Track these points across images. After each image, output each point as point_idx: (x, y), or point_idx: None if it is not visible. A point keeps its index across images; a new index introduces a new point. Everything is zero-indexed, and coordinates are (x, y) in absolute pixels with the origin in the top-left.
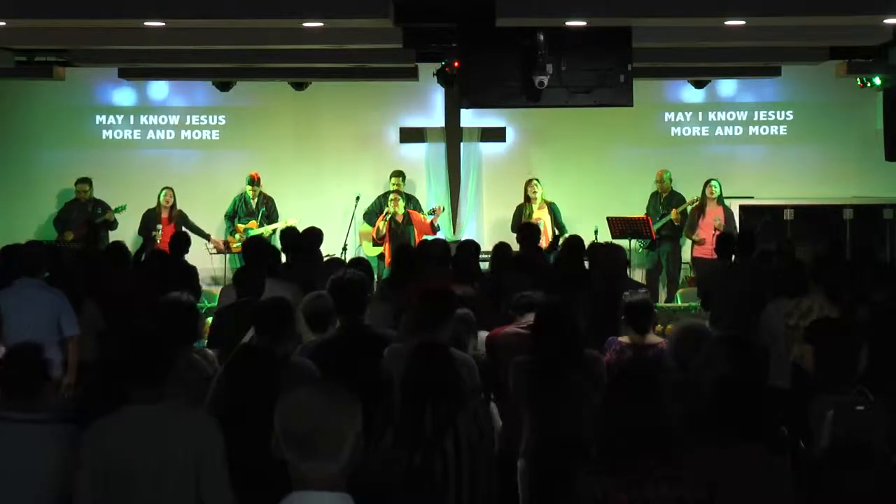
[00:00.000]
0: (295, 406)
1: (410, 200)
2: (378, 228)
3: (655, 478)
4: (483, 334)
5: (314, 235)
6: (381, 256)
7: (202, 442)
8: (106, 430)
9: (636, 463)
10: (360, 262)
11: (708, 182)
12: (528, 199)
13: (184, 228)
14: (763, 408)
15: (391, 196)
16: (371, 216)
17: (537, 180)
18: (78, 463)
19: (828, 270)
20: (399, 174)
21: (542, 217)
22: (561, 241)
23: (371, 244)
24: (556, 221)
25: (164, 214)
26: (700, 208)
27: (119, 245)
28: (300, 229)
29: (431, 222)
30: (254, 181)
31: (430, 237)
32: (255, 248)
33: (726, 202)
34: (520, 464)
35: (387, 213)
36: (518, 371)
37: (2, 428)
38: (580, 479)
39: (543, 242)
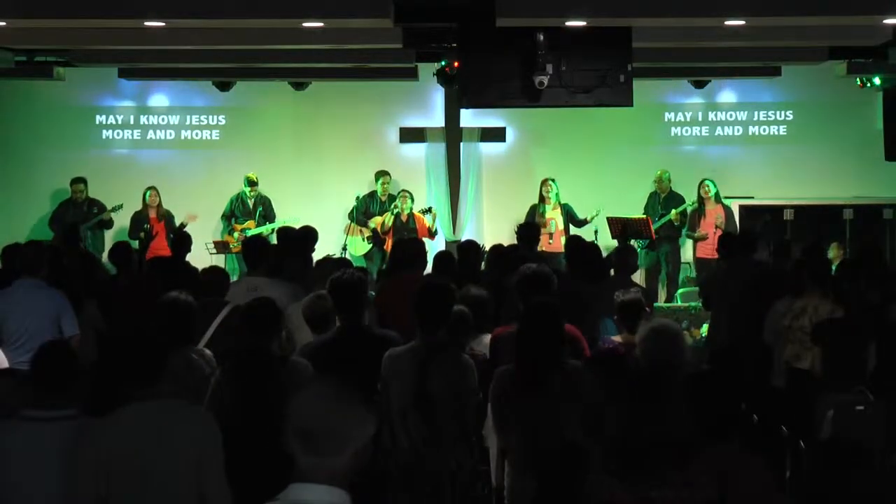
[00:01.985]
0: (307, 402)
1: None
2: (384, 222)
3: (662, 480)
4: (486, 335)
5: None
6: (382, 254)
7: (203, 439)
8: (106, 430)
9: (647, 465)
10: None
11: (702, 182)
12: (542, 199)
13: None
14: (732, 406)
15: (400, 193)
16: (354, 215)
17: (552, 180)
18: (78, 462)
19: (825, 270)
20: (385, 174)
21: (554, 217)
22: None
23: (360, 241)
24: (574, 220)
25: (153, 214)
26: (699, 209)
27: (123, 245)
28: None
29: (429, 228)
30: (252, 182)
31: (428, 240)
32: (256, 248)
33: (726, 202)
34: (506, 466)
35: (394, 208)
36: (499, 380)
37: (39, 427)
38: (588, 481)
39: (556, 243)
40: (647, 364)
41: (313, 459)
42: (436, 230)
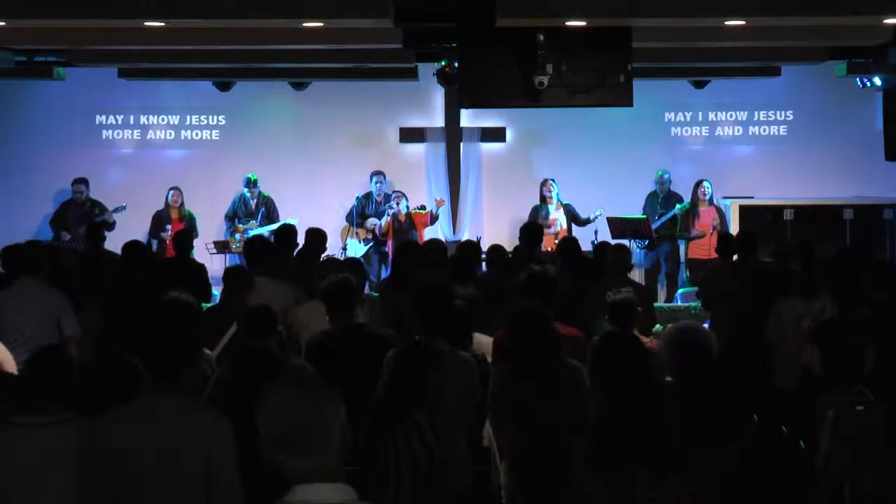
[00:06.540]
0: (277, 406)
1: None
2: (380, 226)
3: (640, 478)
4: (484, 336)
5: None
6: (383, 255)
7: (215, 438)
8: (115, 424)
9: (624, 463)
10: (353, 263)
11: (700, 183)
12: (543, 200)
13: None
14: (733, 408)
15: (395, 194)
16: (352, 216)
17: (553, 181)
18: (84, 458)
19: (833, 272)
20: (380, 173)
21: (558, 217)
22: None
23: (356, 243)
24: (576, 220)
25: (174, 215)
26: (692, 210)
27: (137, 245)
28: (299, 229)
29: (430, 213)
30: (251, 183)
31: (427, 234)
32: (257, 248)
33: (726, 202)
34: (503, 466)
35: (389, 210)
36: (497, 379)
37: (34, 433)
38: (569, 479)
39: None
40: (674, 365)
41: (302, 461)
42: (437, 215)
